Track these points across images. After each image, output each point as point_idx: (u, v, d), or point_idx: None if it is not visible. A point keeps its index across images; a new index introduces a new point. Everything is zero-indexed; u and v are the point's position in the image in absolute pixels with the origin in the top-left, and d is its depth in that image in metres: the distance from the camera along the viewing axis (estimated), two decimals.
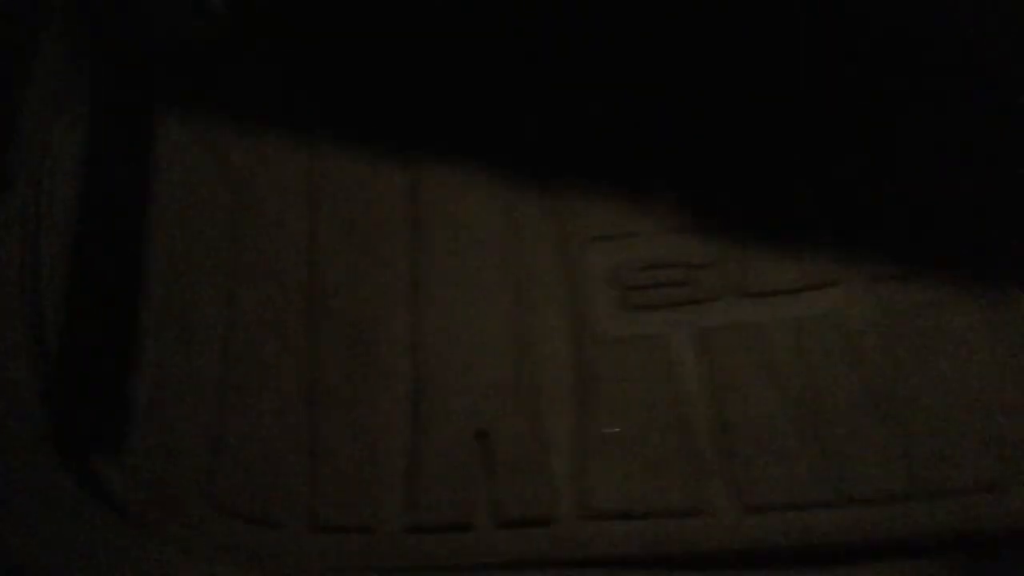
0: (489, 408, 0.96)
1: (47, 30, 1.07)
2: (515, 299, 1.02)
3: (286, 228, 1.06)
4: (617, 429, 0.95)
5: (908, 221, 1.04)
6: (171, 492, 0.93)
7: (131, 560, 0.83)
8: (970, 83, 1.10)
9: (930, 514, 0.90)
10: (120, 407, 0.96)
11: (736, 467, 0.93)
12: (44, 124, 1.07)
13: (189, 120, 1.11)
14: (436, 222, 1.06)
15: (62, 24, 1.09)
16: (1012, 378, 0.96)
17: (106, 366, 0.98)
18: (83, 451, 0.92)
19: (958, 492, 0.91)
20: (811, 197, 1.06)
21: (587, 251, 1.04)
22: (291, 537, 0.92)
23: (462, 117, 1.12)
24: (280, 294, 1.03)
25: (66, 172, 1.05)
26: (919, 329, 0.98)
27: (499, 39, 1.16)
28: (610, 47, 1.14)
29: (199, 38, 1.14)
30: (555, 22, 1.14)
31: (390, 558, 0.91)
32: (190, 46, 1.14)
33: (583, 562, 0.90)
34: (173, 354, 0.99)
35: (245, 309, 1.02)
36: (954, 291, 1.00)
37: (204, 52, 1.14)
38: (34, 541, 0.82)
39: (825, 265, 1.02)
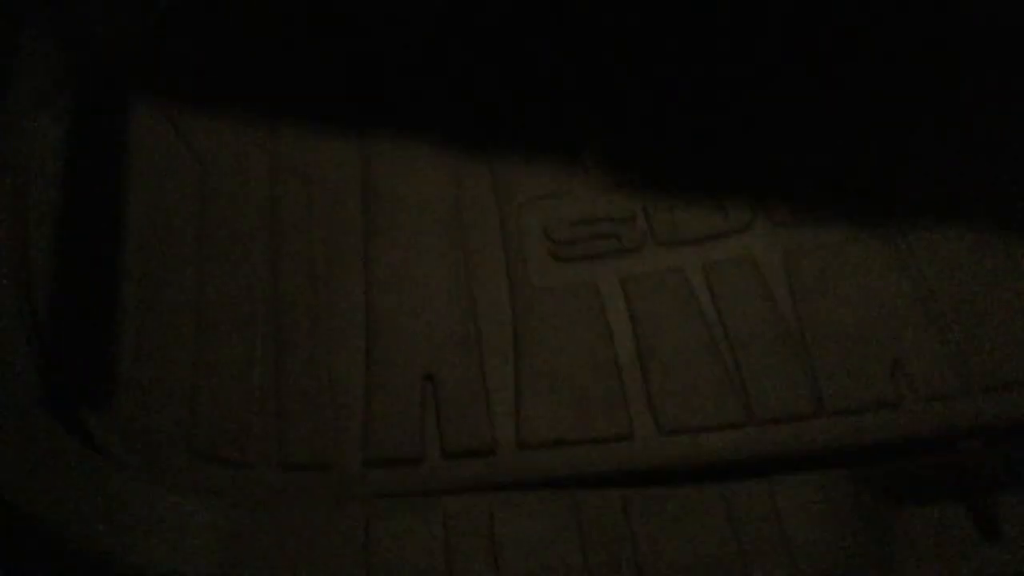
0: (436, 354, 1.07)
1: (29, 25, 1.17)
2: (458, 256, 1.12)
3: (249, 200, 1.16)
4: None
5: (812, 169, 1.14)
6: (151, 440, 1.03)
7: (101, 490, 0.93)
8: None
9: (833, 430, 1.01)
10: (105, 365, 1.06)
11: (655, 397, 1.03)
12: (29, 117, 1.17)
13: (158, 104, 1.21)
14: (386, 188, 1.17)
15: (43, 19, 1.19)
16: (908, 305, 1.06)
17: (92, 328, 1.08)
18: (71, 406, 1.02)
19: (858, 410, 1.01)
20: (722, 155, 1.16)
21: (522, 210, 1.15)
22: (261, 476, 1.02)
23: (409, 93, 1.23)
24: (245, 259, 1.13)
25: (51, 160, 1.15)
26: (822, 265, 1.08)
27: (444, 20, 1.27)
28: (542, 26, 1.25)
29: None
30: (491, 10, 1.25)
31: (349, 490, 1.01)
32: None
33: (521, 486, 0.99)
34: (152, 316, 1.09)
35: (215, 274, 1.12)
36: (855, 230, 1.10)
37: (170, 39, 1.24)
38: (16, 475, 0.93)
39: (736, 214, 1.12)
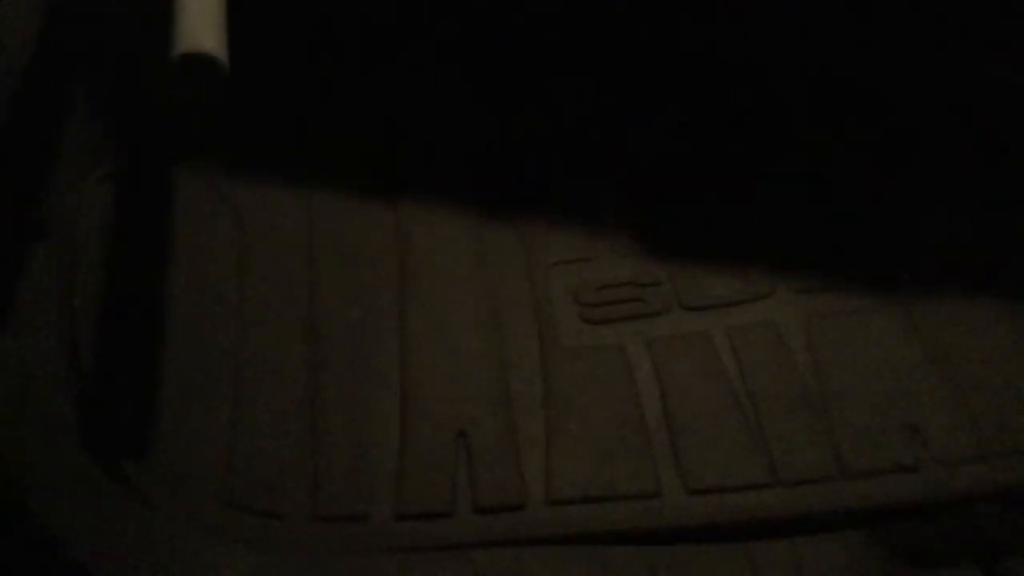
0: (468, 411, 1.10)
1: (77, 92, 1.23)
2: (489, 318, 1.16)
3: (287, 260, 1.21)
4: None
5: (832, 238, 1.19)
6: (189, 489, 1.05)
7: (142, 536, 0.95)
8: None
9: (853, 492, 1.04)
10: (146, 416, 1.09)
11: (681, 456, 1.06)
12: (77, 180, 1.22)
13: (203, 170, 1.26)
14: (419, 252, 1.21)
15: (89, 86, 1.24)
16: (925, 371, 1.10)
17: (135, 380, 1.12)
18: (113, 454, 1.05)
19: (878, 473, 1.05)
20: (744, 223, 1.21)
21: (551, 275, 1.19)
22: (294, 527, 1.04)
23: (441, 161, 1.28)
24: (285, 317, 1.17)
25: (97, 222, 1.20)
26: (842, 332, 1.13)
27: (469, 90, 1.33)
28: (569, 90, 1.31)
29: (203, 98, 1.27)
30: (519, 74, 1.31)
31: (381, 542, 1.03)
32: (197, 105, 1.28)
33: (550, 541, 1.02)
34: (192, 370, 1.13)
35: (254, 331, 1.16)
36: (873, 299, 1.15)
37: (215, 109, 1.29)
38: (59, 519, 0.95)
39: (759, 280, 1.17)
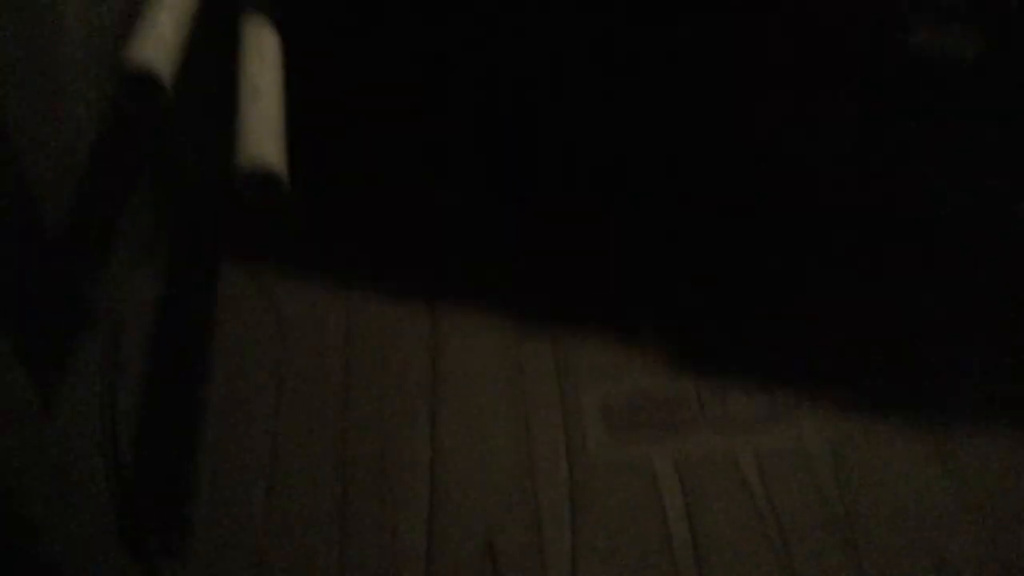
0: (496, 521, 1.11)
1: (136, 188, 1.27)
2: (519, 428, 1.18)
3: (325, 360, 1.24)
4: None
5: (864, 361, 1.21)
6: None
7: None
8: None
9: None
10: (182, 513, 1.11)
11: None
12: (126, 275, 1.26)
13: (246, 263, 1.31)
14: (452, 360, 1.24)
15: (149, 183, 1.29)
16: (950, 500, 1.11)
17: (172, 476, 1.14)
18: (149, 552, 1.07)
19: None
20: (775, 339, 1.24)
21: (581, 386, 1.21)
22: None
23: (476, 270, 1.32)
24: (317, 422, 1.19)
25: (143, 316, 1.24)
26: (870, 458, 1.14)
27: (502, 201, 1.38)
28: (596, 200, 1.35)
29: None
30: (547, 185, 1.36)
31: None
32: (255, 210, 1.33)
33: None
34: (226, 469, 1.15)
35: (288, 432, 1.18)
36: (901, 423, 1.16)
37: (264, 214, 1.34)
38: None
39: (788, 400, 1.19)
